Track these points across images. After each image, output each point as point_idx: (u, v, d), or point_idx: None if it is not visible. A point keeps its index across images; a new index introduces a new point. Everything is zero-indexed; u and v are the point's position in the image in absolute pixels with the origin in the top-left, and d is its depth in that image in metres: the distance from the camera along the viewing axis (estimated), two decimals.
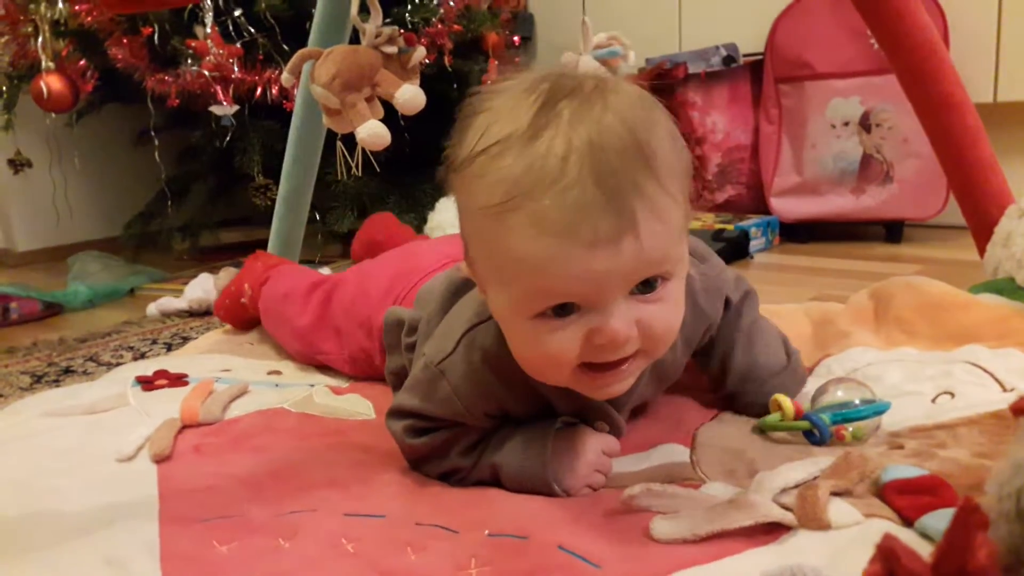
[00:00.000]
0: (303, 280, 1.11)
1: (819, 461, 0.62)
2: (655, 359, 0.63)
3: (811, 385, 0.76)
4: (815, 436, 0.68)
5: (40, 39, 1.73)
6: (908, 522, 0.55)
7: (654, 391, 0.76)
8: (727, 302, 0.78)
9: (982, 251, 1.07)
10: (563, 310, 0.56)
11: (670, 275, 0.58)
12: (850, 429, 0.68)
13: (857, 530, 0.54)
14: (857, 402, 0.68)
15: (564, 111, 0.54)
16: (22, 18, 1.79)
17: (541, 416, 0.69)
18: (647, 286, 0.57)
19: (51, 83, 1.72)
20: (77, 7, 1.74)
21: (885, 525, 0.55)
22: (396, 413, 0.70)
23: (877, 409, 0.68)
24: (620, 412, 0.71)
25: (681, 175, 0.58)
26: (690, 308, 0.69)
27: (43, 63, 1.72)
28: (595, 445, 0.67)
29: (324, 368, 1.04)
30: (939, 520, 0.53)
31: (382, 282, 0.96)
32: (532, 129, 0.54)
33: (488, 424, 0.68)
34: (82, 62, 1.83)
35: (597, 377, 0.59)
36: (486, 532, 0.59)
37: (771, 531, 0.56)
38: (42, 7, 1.73)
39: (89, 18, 1.74)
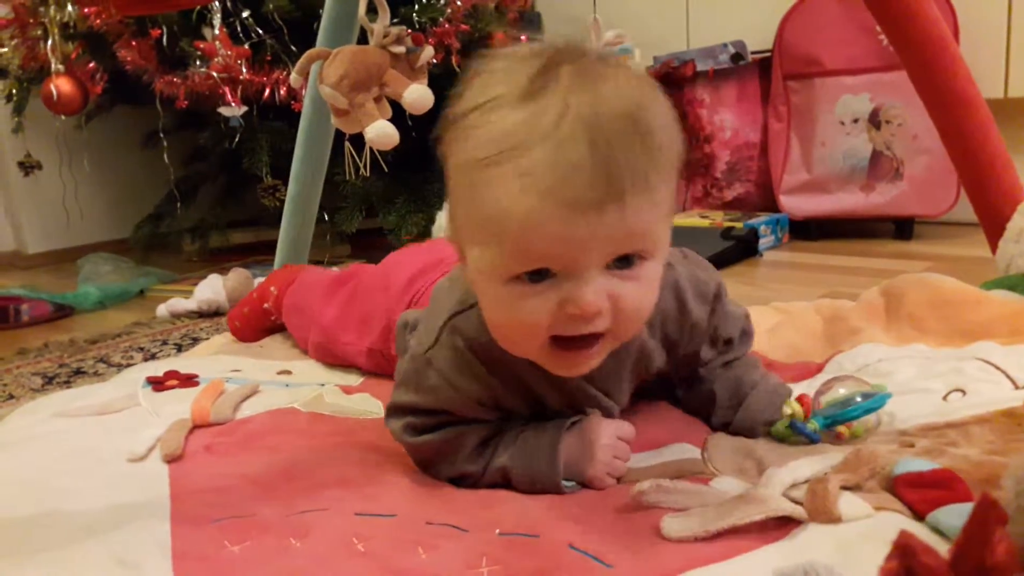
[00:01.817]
0: (328, 277, 1.12)
1: (829, 457, 0.62)
2: (623, 340, 0.62)
3: (819, 383, 0.76)
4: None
5: (50, 42, 1.74)
6: (919, 516, 0.54)
7: (635, 380, 0.74)
8: (728, 339, 0.77)
9: (994, 247, 1.06)
10: (538, 276, 0.56)
11: (649, 254, 0.57)
12: (851, 428, 0.68)
13: (868, 523, 0.54)
14: (859, 399, 0.68)
15: (564, 75, 0.54)
16: (32, 21, 1.79)
17: (537, 412, 0.69)
18: (625, 261, 0.56)
19: (61, 85, 1.72)
20: (86, 10, 1.74)
21: (896, 519, 0.54)
22: (392, 410, 0.71)
23: (867, 407, 0.68)
24: (611, 398, 0.70)
25: (673, 158, 0.57)
26: (675, 302, 0.70)
27: (53, 66, 1.73)
28: (609, 430, 0.67)
29: (334, 368, 1.05)
30: (952, 515, 0.52)
31: (403, 277, 0.96)
32: (530, 88, 0.54)
33: (483, 416, 0.68)
34: (91, 64, 1.83)
35: (564, 354, 0.59)
36: (497, 531, 0.59)
37: (782, 526, 0.55)
38: (51, 10, 1.74)
39: (98, 20, 1.75)
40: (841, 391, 0.69)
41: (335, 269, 1.38)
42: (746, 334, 0.79)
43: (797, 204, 1.95)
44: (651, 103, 0.56)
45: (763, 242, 1.83)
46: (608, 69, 0.56)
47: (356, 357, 1.01)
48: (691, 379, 0.78)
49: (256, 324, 1.22)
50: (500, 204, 0.54)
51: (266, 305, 1.21)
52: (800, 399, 0.71)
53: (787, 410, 0.70)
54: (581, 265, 0.55)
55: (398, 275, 0.97)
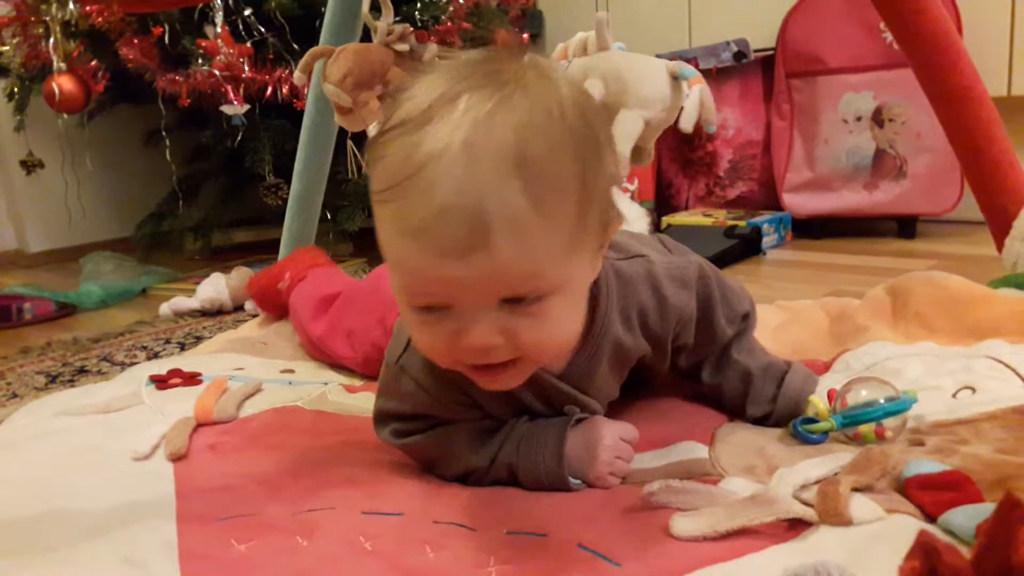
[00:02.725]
0: (324, 289, 1.12)
1: (839, 457, 0.62)
2: (540, 365, 0.61)
3: (831, 381, 0.76)
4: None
5: (51, 40, 1.73)
6: (931, 518, 0.54)
7: (617, 376, 0.73)
8: (745, 313, 0.77)
9: (1000, 246, 1.06)
10: (429, 309, 0.55)
11: (547, 294, 0.55)
12: (886, 427, 0.67)
13: (879, 526, 0.54)
14: (882, 401, 0.67)
15: (462, 102, 0.51)
16: (33, 19, 1.79)
17: (518, 412, 0.68)
18: (518, 300, 0.54)
19: (63, 84, 1.72)
20: (88, 8, 1.74)
21: (907, 521, 0.54)
22: (377, 418, 0.71)
23: (888, 410, 0.67)
24: (587, 395, 0.69)
25: (575, 193, 0.54)
26: (651, 293, 0.69)
27: (55, 64, 1.72)
28: (612, 431, 0.67)
29: (337, 366, 1.05)
30: (964, 516, 0.52)
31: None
32: (426, 116, 0.52)
33: (464, 416, 0.68)
34: (93, 62, 1.82)
35: (479, 374, 0.58)
36: (504, 530, 0.58)
37: (792, 527, 0.55)
38: (53, 8, 1.73)
39: (100, 19, 1.75)
40: (864, 393, 0.68)
41: (338, 270, 1.38)
42: (753, 306, 0.79)
43: (800, 202, 1.95)
44: (556, 136, 0.52)
45: (766, 241, 1.82)
46: (521, 95, 0.52)
47: (353, 367, 1.01)
48: (720, 361, 0.77)
49: (271, 299, 1.25)
50: (386, 240, 0.54)
51: (280, 286, 1.22)
52: (828, 393, 0.71)
53: (812, 408, 0.70)
54: (465, 305, 0.54)
55: (383, 283, 0.96)
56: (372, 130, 1.02)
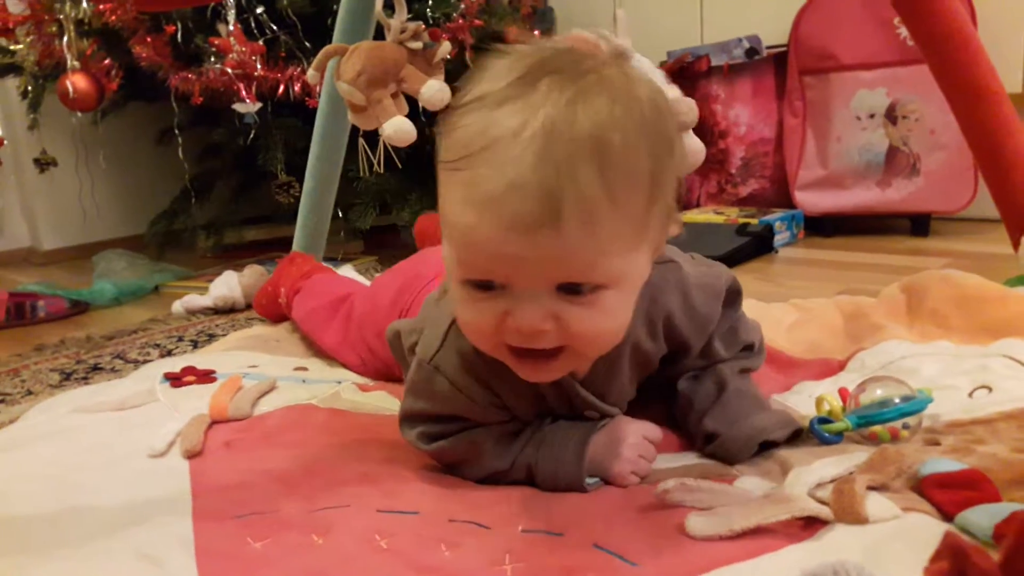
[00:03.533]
0: (327, 297, 1.12)
1: (854, 456, 0.62)
2: (589, 359, 0.61)
3: (847, 380, 0.76)
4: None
5: (65, 38, 1.74)
6: (948, 517, 0.54)
7: (632, 380, 0.72)
8: (749, 344, 0.76)
9: (1016, 244, 1.04)
10: (485, 285, 0.55)
11: (604, 286, 0.55)
12: (901, 427, 0.67)
13: (895, 524, 0.54)
14: (897, 401, 0.67)
15: (542, 85, 0.52)
16: (47, 18, 1.80)
17: (543, 414, 0.68)
18: (573, 288, 0.54)
19: (76, 82, 1.73)
20: (101, 6, 1.74)
21: (924, 520, 0.54)
22: (405, 418, 0.71)
23: (903, 411, 0.67)
24: (606, 401, 0.69)
25: (646, 189, 0.54)
26: (680, 300, 0.68)
27: (68, 62, 1.73)
28: (636, 430, 0.67)
29: None
30: (981, 515, 0.52)
31: (390, 293, 0.97)
32: (503, 94, 0.53)
33: (494, 418, 0.68)
34: (106, 61, 1.83)
35: (523, 361, 0.58)
36: (520, 528, 0.58)
37: (808, 526, 0.55)
38: (67, 6, 1.74)
39: (113, 17, 1.75)
40: (879, 392, 0.68)
41: (348, 267, 1.38)
42: (762, 347, 0.78)
43: (812, 200, 1.94)
44: (632, 127, 0.53)
45: (778, 238, 1.82)
46: (599, 85, 0.53)
47: (365, 375, 1.01)
48: (703, 373, 0.74)
49: (277, 312, 1.27)
50: (451, 210, 0.54)
51: (280, 300, 1.24)
52: (841, 392, 0.70)
53: (825, 406, 0.69)
54: (522, 283, 0.54)
55: (383, 296, 0.98)
56: (386, 128, 1.02)
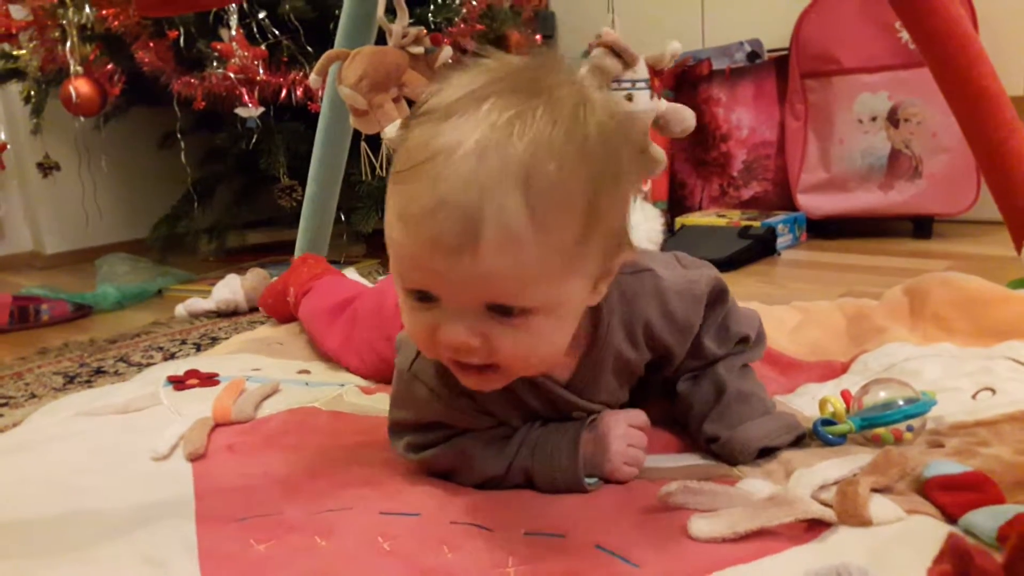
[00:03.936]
0: (332, 299, 1.12)
1: (858, 458, 0.62)
2: (519, 375, 0.61)
3: (850, 382, 0.75)
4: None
5: (68, 44, 1.75)
6: (952, 519, 0.54)
7: (620, 386, 0.71)
8: (744, 337, 0.74)
9: (1019, 246, 1.04)
10: (421, 296, 0.55)
11: (533, 311, 0.54)
12: (905, 429, 0.67)
13: (899, 526, 0.54)
14: (900, 403, 0.67)
15: (487, 104, 0.51)
16: (50, 23, 1.80)
17: (528, 418, 0.68)
18: (503, 310, 0.54)
19: (79, 87, 1.74)
20: (104, 11, 1.75)
21: (928, 522, 0.54)
22: (392, 428, 0.71)
23: (907, 413, 0.67)
24: (594, 402, 0.68)
25: (580, 218, 0.53)
26: (658, 308, 0.67)
27: (71, 67, 1.74)
28: (620, 420, 0.67)
29: None
30: (985, 517, 0.52)
31: (393, 299, 0.96)
32: (449, 110, 0.52)
33: (478, 424, 0.67)
34: (109, 66, 1.84)
35: (460, 371, 0.59)
36: (522, 531, 0.58)
37: (811, 528, 0.55)
38: (70, 12, 1.75)
39: (116, 22, 1.75)
40: (882, 394, 0.68)
41: (351, 271, 1.38)
42: (761, 337, 0.77)
43: (815, 203, 1.94)
44: (571, 157, 0.52)
45: (781, 241, 1.82)
46: (545, 110, 0.52)
47: (367, 378, 1.01)
48: (700, 374, 0.74)
49: (284, 312, 1.27)
50: (388, 222, 0.55)
51: (289, 299, 1.24)
52: (843, 394, 0.70)
53: (829, 408, 0.69)
54: (451, 300, 0.54)
55: (389, 299, 0.98)
56: (388, 132, 1.02)
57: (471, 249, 0.50)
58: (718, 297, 0.73)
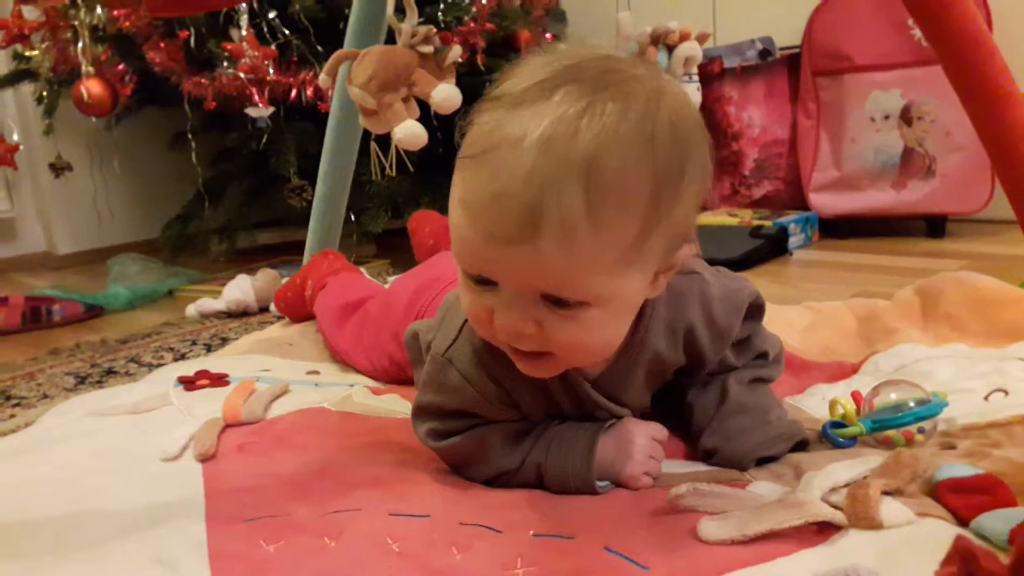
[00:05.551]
0: (345, 298, 1.12)
1: (868, 461, 0.61)
2: (574, 365, 0.61)
3: (861, 383, 0.75)
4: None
5: (80, 44, 1.76)
6: (963, 522, 0.54)
7: (652, 386, 0.71)
8: (763, 353, 0.74)
9: None
10: (479, 279, 0.56)
11: (587, 303, 0.54)
12: (916, 431, 0.66)
13: (910, 530, 0.53)
14: (911, 404, 0.66)
15: (556, 94, 0.51)
16: (62, 24, 1.81)
17: (552, 414, 0.68)
18: (557, 300, 0.54)
19: (91, 87, 1.74)
20: (115, 12, 1.76)
21: (939, 525, 0.54)
22: (417, 412, 0.71)
23: (918, 415, 0.66)
24: (619, 403, 0.68)
25: (640, 214, 0.52)
26: (701, 312, 0.67)
27: (83, 68, 1.74)
28: (644, 431, 0.67)
29: None
30: (996, 520, 0.51)
31: (405, 296, 0.97)
32: (520, 97, 0.52)
33: (505, 415, 0.67)
34: (120, 66, 1.85)
35: (516, 355, 0.59)
36: (531, 532, 0.58)
37: (821, 531, 0.55)
38: (81, 13, 1.76)
39: (127, 23, 1.76)
40: (893, 396, 0.67)
41: (363, 270, 1.38)
42: (779, 359, 0.76)
43: (827, 202, 1.93)
44: (636, 151, 0.51)
45: (793, 240, 1.81)
46: (614, 103, 0.51)
47: (376, 379, 1.01)
48: (709, 382, 0.74)
49: (300, 307, 1.27)
50: (451, 203, 0.55)
51: (307, 293, 1.25)
52: (854, 396, 0.70)
53: (839, 409, 0.69)
54: (508, 286, 0.55)
55: (399, 298, 0.98)
56: (398, 132, 1.02)
57: (528, 242, 0.51)
58: (755, 313, 0.73)
